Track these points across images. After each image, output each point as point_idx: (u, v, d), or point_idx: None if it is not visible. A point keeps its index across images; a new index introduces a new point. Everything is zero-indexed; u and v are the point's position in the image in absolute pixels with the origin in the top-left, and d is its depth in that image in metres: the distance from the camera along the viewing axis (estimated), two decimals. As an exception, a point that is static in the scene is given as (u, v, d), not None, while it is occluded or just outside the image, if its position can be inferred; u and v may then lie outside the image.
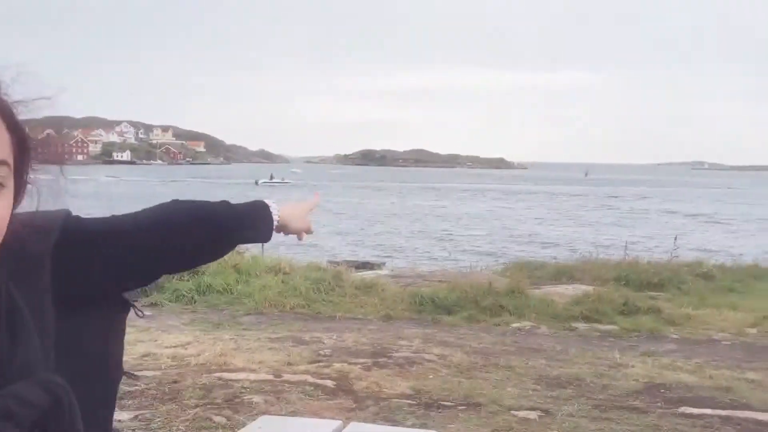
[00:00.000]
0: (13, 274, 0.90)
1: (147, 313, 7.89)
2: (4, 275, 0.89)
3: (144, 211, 1.17)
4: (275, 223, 1.35)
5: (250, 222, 1.30)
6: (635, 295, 9.58)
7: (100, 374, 1.06)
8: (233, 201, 1.32)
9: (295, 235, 1.45)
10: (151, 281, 1.22)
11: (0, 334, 0.85)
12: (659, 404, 5.15)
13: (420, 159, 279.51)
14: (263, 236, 1.35)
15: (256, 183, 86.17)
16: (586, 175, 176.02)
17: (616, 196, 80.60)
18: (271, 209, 1.35)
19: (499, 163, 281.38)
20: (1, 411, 0.79)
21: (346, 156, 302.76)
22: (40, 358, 0.88)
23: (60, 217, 1.01)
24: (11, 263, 0.89)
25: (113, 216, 1.14)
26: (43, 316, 0.92)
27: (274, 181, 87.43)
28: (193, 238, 1.19)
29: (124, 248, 1.08)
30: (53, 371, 0.88)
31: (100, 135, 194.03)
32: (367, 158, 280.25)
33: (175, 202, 1.21)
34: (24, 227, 0.90)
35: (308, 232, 1.46)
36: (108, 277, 1.06)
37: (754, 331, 8.03)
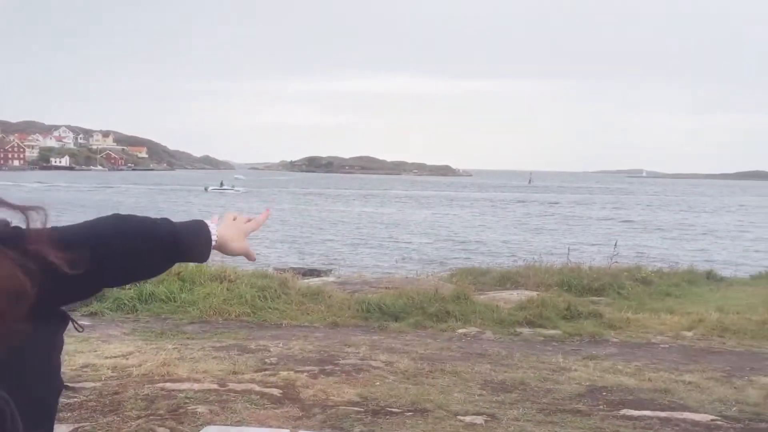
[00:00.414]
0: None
1: (87, 322, 7.68)
2: None
3: (84, 223, 1.14)
4: (213, 243, 1.36)
5: (190, 240, 1.30)
6: (577, 299, 9.79)
7: (41, 386, 1.03)
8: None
9: (237, 255, 1.46)
10: (91, 296, 1.19)
11: None
12: (601, 407, 5.26)
13: (366, 166, 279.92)
14: (202, 256, 1.35)
15: (206, 189, 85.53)
16: (529, 182, 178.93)
17: (558, 203, 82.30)
18: (210, 229, 1.35)
19: (445, 170, 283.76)
20: None
21: (291, 162, 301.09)
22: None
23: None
24: None
25: (53, 228, 1.11)
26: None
27: (224, 188, 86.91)
28: (134, 254, 1.17)
29: (63, 262, 1.05)
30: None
31: (38, 140, 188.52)
32: (314, 164, 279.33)
33: (116, 216, 1.19)
34: None
35: (249, 257, 1.47)
36: (47, 291, 1.03)
37: (690, 334, 8.28)
